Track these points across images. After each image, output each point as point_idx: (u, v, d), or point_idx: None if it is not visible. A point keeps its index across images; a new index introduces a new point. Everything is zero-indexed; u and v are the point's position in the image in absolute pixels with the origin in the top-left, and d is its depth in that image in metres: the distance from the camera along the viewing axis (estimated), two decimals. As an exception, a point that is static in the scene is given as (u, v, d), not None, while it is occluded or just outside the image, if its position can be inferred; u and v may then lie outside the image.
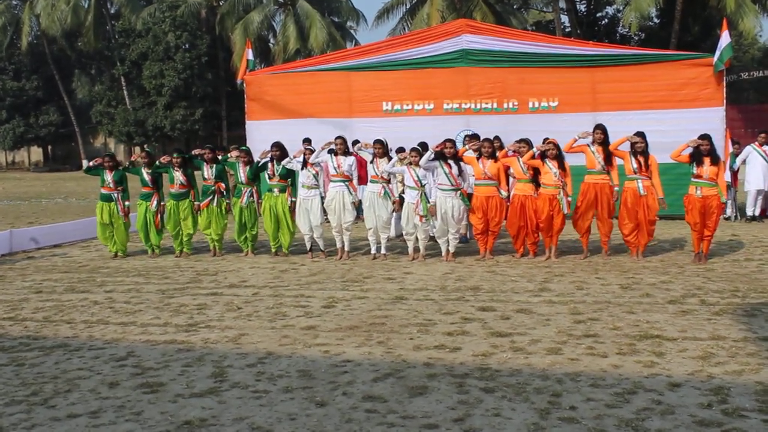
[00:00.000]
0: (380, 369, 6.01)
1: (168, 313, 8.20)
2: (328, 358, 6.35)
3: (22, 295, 9.38)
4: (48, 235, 13.88)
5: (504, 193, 11.33)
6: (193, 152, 12.69)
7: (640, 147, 11.04)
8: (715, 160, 10.53)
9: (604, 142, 11.10)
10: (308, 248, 11.73)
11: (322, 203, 11.71)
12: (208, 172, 12.22)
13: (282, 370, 6.05)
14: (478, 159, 11.28)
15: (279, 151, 11.83)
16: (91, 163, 12.54)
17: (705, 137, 10.57)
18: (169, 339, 7.10)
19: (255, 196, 11.86)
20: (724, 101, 15.55)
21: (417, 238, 11.35)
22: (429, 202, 11.14)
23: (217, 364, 6.28)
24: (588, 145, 11.09)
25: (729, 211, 15.63)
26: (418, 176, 11.11)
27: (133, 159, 12.84)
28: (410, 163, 11.22)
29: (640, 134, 11.11)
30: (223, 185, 12.14)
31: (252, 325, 7.54)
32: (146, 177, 12.06)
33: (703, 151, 10.49)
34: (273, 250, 12.07)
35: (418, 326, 7.33)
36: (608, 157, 10.96)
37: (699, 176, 10.51)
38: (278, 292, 9.12)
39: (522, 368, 5.94)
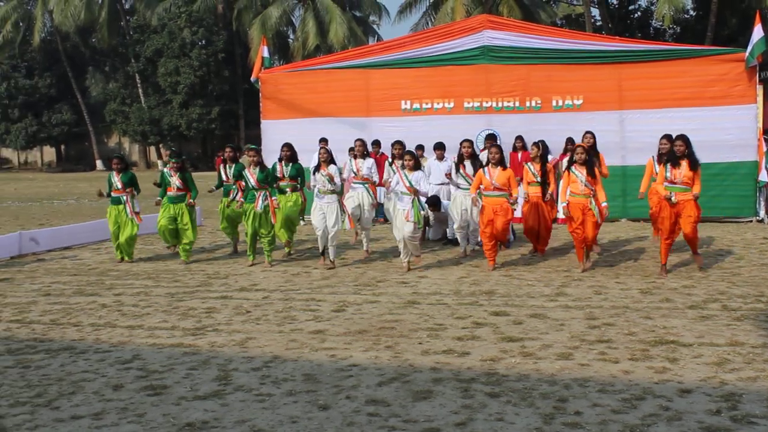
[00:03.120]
0: (386, 373, 5.93)
1: (176, 316, 8.16)
2: (335, 363, 6.28)
3: (31, 298, 9.38)
4: (52, 237, 13.70)
5: (519, 198, 10.92)
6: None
7: (665, 149, 10.97)
8: (694, 165, 9.67)
9: (592, 149, 10.83)
10: (321, 251, 11.19)
11: (341, 208, 11.19)
12: (226, 172, 12.23)
13: (287, 374, 5.99)
14: (484, 167, 10.69)
15: (289, 151, 11.77)
16: (104, 194, 12.21)
17: (680, 138, 9.78)
18: (176, 342, 7.06)
19: (269, 199, 11.18)
20: (758, 98, 15.09)
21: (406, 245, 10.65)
22: (421, 209, 10.76)
23: (223, 367, 6.23)
24: (569, 170, 10.26)
25: (762, 213, 15.29)
26: (410, 181, 10.48)
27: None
28: (403, 167, 10.71)
29: (667, 136, 11.04)
30: (243, 184, 12.05)
31: (260, 329, 7.48)
32: (176, 181, 11.67)
33: (677, 152, 9.73)
34: (287, 251, 12.03)
35: (429, 331, 7.23)
36: (591, 173, 10.08)
37: (672, 180, 9.72)
38: (289, 296, 9.06)
39: (530, 373, 5.82)
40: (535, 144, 11.60)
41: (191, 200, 11.72)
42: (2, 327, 7.86)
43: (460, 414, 5.00)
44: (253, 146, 11.56)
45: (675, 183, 9.71)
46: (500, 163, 10.54)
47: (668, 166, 9.79)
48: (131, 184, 12.07)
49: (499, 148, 10.71)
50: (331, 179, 10.94)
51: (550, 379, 5.68)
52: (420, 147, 14.34)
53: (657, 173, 11.00)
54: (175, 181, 11.67)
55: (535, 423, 4.80)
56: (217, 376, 5.98)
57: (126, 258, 12.02)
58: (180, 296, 9.24)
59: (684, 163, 9.66)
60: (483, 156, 11.51)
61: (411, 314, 7.96)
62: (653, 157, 11.30)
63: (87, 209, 21.17)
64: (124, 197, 11.97)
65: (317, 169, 11.08)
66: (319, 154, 11.19)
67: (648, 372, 5.78)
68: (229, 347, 6.85)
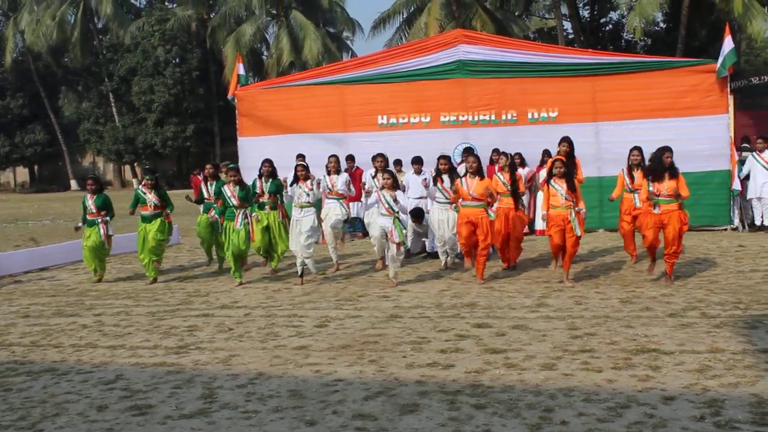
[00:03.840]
0: (371, 387, 5.93)
1: (158, 335, 8.11)
2: (320, 378, 6.27)
3: (9, 320, 9.27)
4: (29, 259, 13.57)
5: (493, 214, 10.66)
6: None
7: (636, 161, 11.17)
8: (674, 173, 9.65)
9: (569, 156, 10.92)
10: (299, 273, 11.06)
11: (318, 222, 11.27)
12: (207, 189, 12.20)
13: (272, 390, 5.97)
14: (462, 177, 10.64)
15: (270, 167, 11.77)
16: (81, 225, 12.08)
17: (667, 149, 9.75)
18: (159, 361, 7.02)
19: (249, 217, 11.13)
20: (730, 108, 15.34)
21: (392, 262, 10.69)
22: (404, 229, 10.82)
23: (207, 385, 6.20)
24: (549, 183, 10.20)
25: (736, 221, 15.52)
26: (389, 203, 10.53)
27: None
28: (382, 188, 10.71)
29: (638, 148, 11.27)
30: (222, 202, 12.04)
31: (243, 346, 7.45)
32: (152, 198, 11.51)
33: (667, 164, 9.66)
34: (273, 265, 11.99)
35: (412, 344, 7.24)
36: (571, 186, 10.03)
37: (657, 193, 9.68)
38: (270, 313, 9.03)
39: (515, 384, 5.85)
40: (504, 154, 11.71)
41: (168, 218, 11.65)
42: (-19, 350, 7.77)
43: (448, 426, 5.01)
44: (232, 165, 11.55)
45: (660, 196, 9.68)
46: (478, 173, 10.48)
47: (650, 180, 9.75)
48: (105, 207, 11.82)
49: (477, 158, 10.67)
50: (309, 192, 10.92)
51: (535, 389, 5.71)
52: (398, 162, 14.41)
53: (627, 185, 11.24)
54: (151, 198, 11.48)
55: (523, 433, 4.83)
56: (202, 395, 5.95)
57: (98, 271, 11.92)
58: (161, 315, 9.17)
59: (666, 175, 9.67)
60: (461, 169, 11.56)
61: (394, 328, 7.96)
62: (623, 170, 11.47)
63: (63, 230, 20.94)
64: (99, 220, 11.75)
65: (294, 182, 11.05)
66: (296, 170, 11.11)
67: (631, 380, 5.83)
68: (213, 365, 6.82)
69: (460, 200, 10.62)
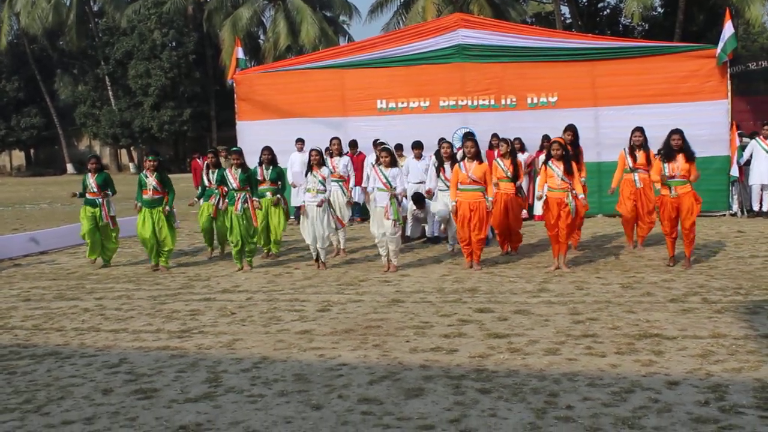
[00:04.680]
0: (376, 372, 5.95)
1: (160, 319, 8.12)
2: (324, 362, 6.29)
3: (10, 303, 9.28)
4: (28, 241, 13.58)
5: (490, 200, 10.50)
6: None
7: (638, 141, 11.21)
8: (690, 156, 9.77)
9: (573, 145, 10.94)
10: (314, 257, 11.01)
11: (330, 208, 10.99)
12: (209, 177, 12.15)
13: (277, 374, 5.99)
14: (461, 161, 10.56)
15: (270, 155, 11.74)
16: (77, 194, 11.94)
17: (677, 132, 9.85)
18: (162, 345, 7.03)
19: (249, 201, 10.98)
20: (729, 93, 15.37)
21: (388, 249, 10.57)
22: (399, 206, 10.62)
23: (212, 369, 6.21)
24: (546, 164, 10.17)
25: (735, 207, 15.56)
26: (387, 178, 10.44)
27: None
28: (380, 163, 10.63)
29: (639, 129, 11.30)
30: (225, 189, 12.00)
31: (246, 330, 7.46)
32: (153, 181, 11.26)
33: (674, 146, 9.77)
34: (265, 251, 11.96)
35: (415, 329, 7.26)
36: (568, 169, 10.00)
37: (672, 175, 9.78)
38: (272, 297, 9.05)
39: (519, 369, 5.87)
40: (504, 140, 11.70)
41: (167, 207, 11.30)
42: (-16, 333, 7.78)
43: (453, 410, 5.03)
44: (235, 148, 11.47)
45: (674, 177, 9.79)
46: (476, 157, 10.41)
47: (664, 161, 9.84)
48: (106, 185, 11.75)
49: (475, 142, 10.59)
50: (323, 180, 10.71)
51: (540, 374, 5.73)
52: (399, 146, 14.39)
53: (629, 165, 11.27)
54: (151, 182, 11.23)
55: (528, 418, 4.85)
56: (207, 378, 5.96)
57: (103, 261, 11.82)
58: (162, 299, 9.18)
59: (680, 157, 9.75)
60: (460, 154, 11.54)
61: (396, 313, 7.98)
62: (624, 149, 11.47)
63: (60, 213, 20.92)
64: (100, 200, 11.65)
65: (309, 171, 10.83)
66: (311, 155, 10.85)
67: (635, 365, 5.85)
68: (217, 349, 6.84)
69: (458, 184, 10.47)
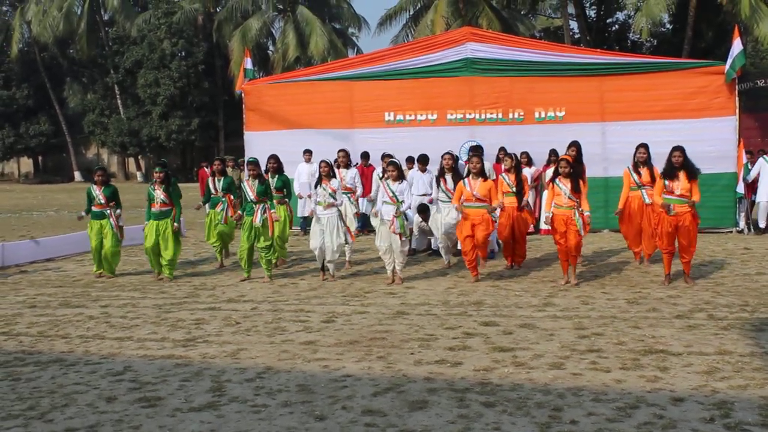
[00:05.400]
0: (380, 384, 5.94)
1: (165, 327, 8.13)
2: (328, 373, 6.28)
3: (16, 310, 9.29)
4: (34, 249, 13.59)
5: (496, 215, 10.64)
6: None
7: (642, 158, 11.18)
8: (693, 175, 9.70)
9: (577, 161, 10.95)
10: (320, 266, 10.94)
11: (342, 221, 10.89)
12: (215, 185, 12.18)
13: (281, 385, 5.99)
14: (464, 178, 10.55)
15: (276, 163, 11.77)
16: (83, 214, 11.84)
17: (678, 149, 9.80)
18: (167, 354, 7.03)
19: (268, 212, 10.86)
20: (737, 110, 15.34)
21: (394, 260, 10.56)
22: (406, 220, 10.68)
23: (216, 378, 6.21)
24: (553, 182, 10.17)
25: (742, 224, 15.53)
26: (393, 191, 10.46)
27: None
28: (387, 177, 10.65)
29: (644, 145, 11.27)
30: (231, 197, 12.06)
31: (251, 340, 7.46)
32: (161, 194, 11.19)
33: (675, 164, 9.73)
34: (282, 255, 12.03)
35: (419, 341, 7.25)
36: (576, 187, 9.99)
37: (671, 192, 9.72)
38: (277, 307, 9.05)
39: (523, 383, 5.86)
40: (509, 155, 11.72)
41: (175, 223, 11.21)
42: (-11, 339, 7.79)
43: (457, 423, 5.02)
44: (252, 159, 11.41)
45: (673, 194, 9.73)
46: (481, 174, 10.44)
47: (665, 178, 9.80)
48: (113, 198, 11.62)
49: (481, 158, 10.59)
50: (333, 193, 10.64)
51: (544, 388, 5.72)
52: (410, 159, 14.34)
53: (634, 182, 11.23)
54: (159, 195, 11.14)
55: (532, 432, 4.85)
56: (211, 388, 5.96)
57: (106, 273, 11.62)
58: (167, 308, 9.19)
59: (681, 175, 9.69)
60: (467, 169, 11.57)
61: (401, 325, 7.97)
62: (628, 166, 11.43)
63: (67, 221, 20.95)
64: (108, 211, 11.52)
65: (318, 182, 10.76)
66: (320, 167, 10.79)
67: (640, 381, 5.83)
68: (221, 358, 6.84)
69: (462, 198, 10.46)
